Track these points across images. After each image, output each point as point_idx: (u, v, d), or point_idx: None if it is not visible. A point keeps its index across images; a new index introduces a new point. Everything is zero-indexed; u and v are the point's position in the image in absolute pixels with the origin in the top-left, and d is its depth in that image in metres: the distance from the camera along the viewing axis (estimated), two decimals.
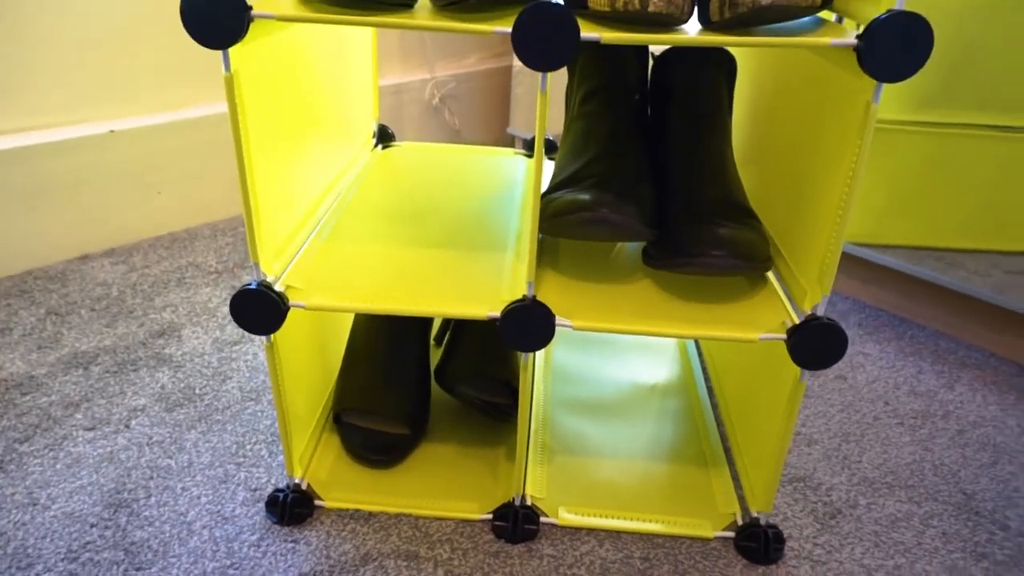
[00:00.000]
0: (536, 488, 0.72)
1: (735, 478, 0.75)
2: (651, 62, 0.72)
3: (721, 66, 0.69)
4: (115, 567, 0.63)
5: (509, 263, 0.67)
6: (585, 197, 0.60)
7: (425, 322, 0.82)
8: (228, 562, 0.64)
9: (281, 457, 0.76)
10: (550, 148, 0.90)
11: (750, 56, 0.79)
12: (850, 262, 1.10)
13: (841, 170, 0.54)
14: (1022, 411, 0.89)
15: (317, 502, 0.70)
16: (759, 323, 0.60)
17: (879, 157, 1.00)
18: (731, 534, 0.69)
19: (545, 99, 0.52)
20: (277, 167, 0.62)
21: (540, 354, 0.94)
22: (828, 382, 0.93)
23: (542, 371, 0.91)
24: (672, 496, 0.72)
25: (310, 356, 0.74)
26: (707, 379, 0.92)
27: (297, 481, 0.70)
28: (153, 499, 0.70)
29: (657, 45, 0.51)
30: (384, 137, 0.95)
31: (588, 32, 0.49)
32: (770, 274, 0.67)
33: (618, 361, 0.94)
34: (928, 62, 0.48)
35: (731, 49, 0.73)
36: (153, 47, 1.15)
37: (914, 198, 1.00)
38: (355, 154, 0.87)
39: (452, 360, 0.78)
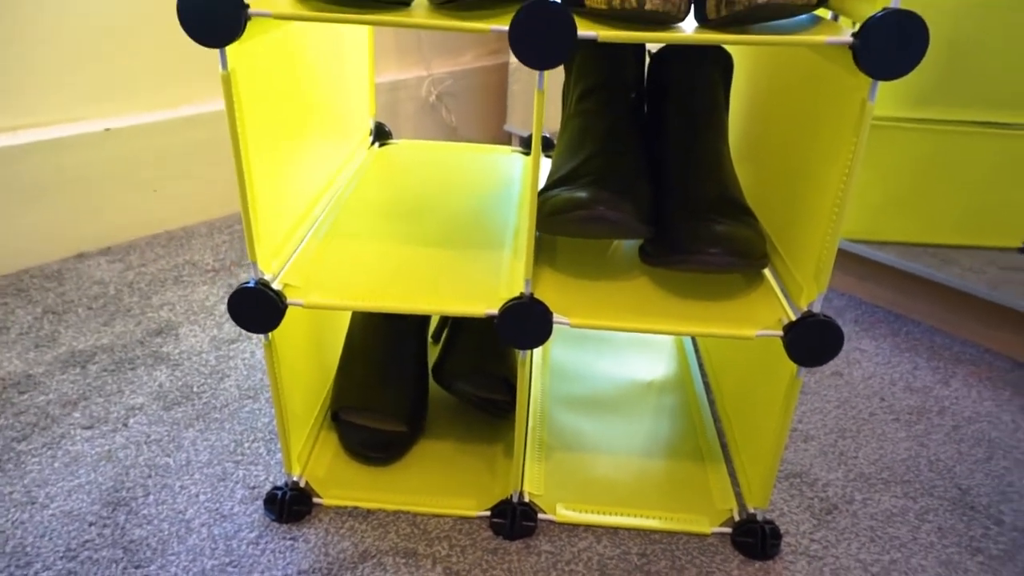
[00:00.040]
0: (534, 485, 0.73)
1: (732, 474, 0.76)
2: (648, 60, 0.72)
3: (717, 63, 0.69)
4: (114, 565, 0.63)
5: (507, 261, 0.68)
6: (582, 195, 0.60)
7: (422, 319, 0.82)
8: (227, 560, 0.64)
9: (279, 455, 0.76)
10: (547, 146, 0.90)
11: (746, 53, 0.79)
12: (846, 259, 1.11)
13: (837, 167, 0.54)
14: (1017, 407, 0.90)
15: (315, 500, 0.70)
16: (756, 320, 0.60)
17: (875, 154, 1.00)
18: (728, 530, 0.69)
19: (542, 97, 0.52)
20: (275, 165, 0.62)
21: (538, 351, 0.94)
22: (824, 378, 0.94)
23: (539, 368, 0.91)
24: (669, 492, 0.73)
25: (308, 354, 0.74)
26: (704, 376, 0.92)
27: (295, 479, 0.70)
28: (151, 497, 0.70)
29: (654, 43, 0.52)
30: (381, 135, 0.95)
31: (585, 30, 0.49)
32: (766, 271, 0.68)
33: (615, 358, 0.94)
34: (923, 60, 0.48)
35: (727, 47, 0.73)
36: (148, 45, 1.15)
37: (909, 195, 1.00)
38: (352, 152, 0.87)
39: (450, 357, 0.79)
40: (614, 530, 0.69)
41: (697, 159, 0.65)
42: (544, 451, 0.77)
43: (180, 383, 0.86)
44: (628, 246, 0.73)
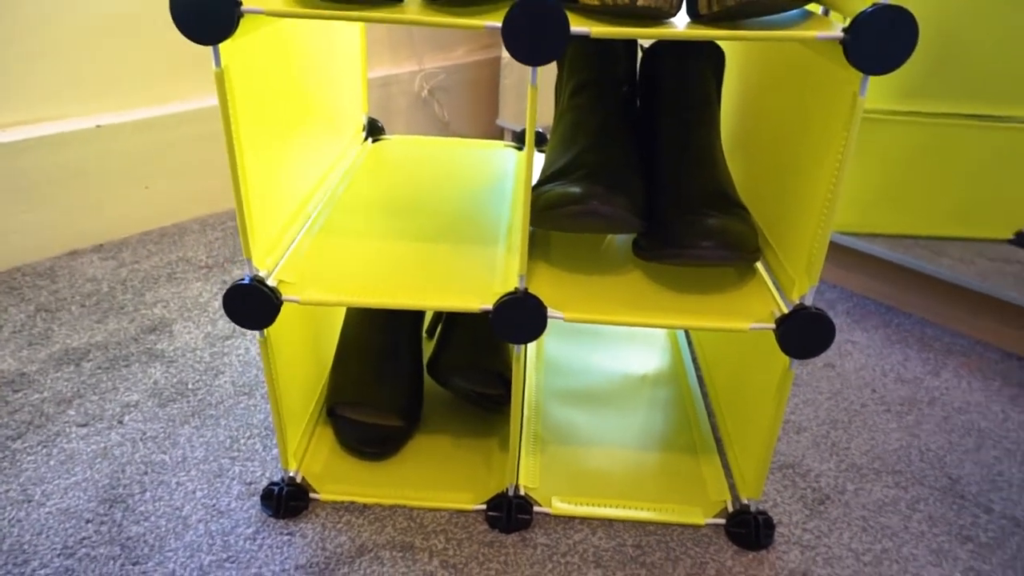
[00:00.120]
0: (529, 478, 0.73)
1: (725, 466, 0.76)
2: (640, 55, 0.73)
3: (709, 58, 0.69)
4: (111, 562, 0.63)
5: (501, 256, 0.68)
6: (575, 190, 0.60)
7: (417, 315, 0.83)
8: (224, 555, 0.64)
9: (275, 451, 0.76)
10: (540, 140, 0.90)
11: (738, 48, 0.79)
12: (837, 251, 1.11)
13: (828, 161, 0.55)
14: (1006, 397, 0.91)
15: (312, 495, 0.70)
16: (749, 313, 0.61)
17: (865, 147, 1.01)
18: (722, 521, 0.70)
19: (536, 93, 0.53)
20: (268, 162, 0.62)
21: (532, 345, 0.95)
22: (816, 370, 0.94)
23: (534, 362, 0.91)
24: (663, 484, 0.73)
25: (303, 350, 0.74)
26: (697, 368, 0.93)
27: (292, 474, 0.70)
28: (148, 494, 0.70)
29: (646, 39, 0.52)
30: (374, 130, 0.95)
31: (578, 26, 0.50)
32: (759, 264, 0.68)
33: (609, 352, 0.94)
34: (913, 53, 0.48)
35: (719, 42, 0.73)
36: (139, 41, 1.15)
37: (900, 187, 1.01)
38: (345, 148, 0.87)
39: (445, 352, 0.79)
40: (609, 522, 0.70)
41: (689, 153, 0.65)
42: (539, 445, 0.78)
43: (175, 380, 0.86)
44: (621, 240, 0.73)
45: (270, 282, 0.61)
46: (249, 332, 0.95)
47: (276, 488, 0.69)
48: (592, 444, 0.78)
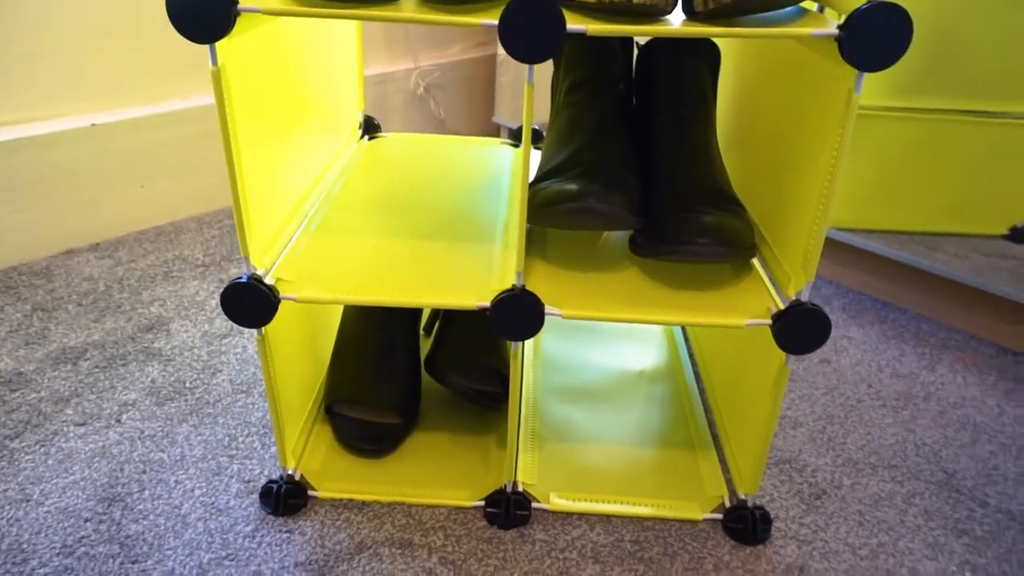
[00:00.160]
0: (527, 475, 0.73)
1: (722, 461, 0.77)
2: (636, 52, 0.73)
3: (705, 56, 0.69)
4: (111, 560, 0.63)
5: (498, 253, 0.68)
6: (572, 187, 0.60)
7: (414, 312, 0.83)
8: (224, 553, 0.64)
9: (273, 449, 0.76)
10: (536, 138, 0.90)
11: (733, 45, 0.80)
12: (833, 247, 1.12)
13: (824, 157, 0.55)
14: (1001, 391, 0.91)
15: (311, 492, 0.71)
16: (745, 309, 0.61)
17: (860, 143, 1.01)
18: (719, 516, 0.70)
19: (532, 91, 0.53)
20: (265, 160, 0.62)
21: (529, 342, 0.95)
22: (813, 366, 0.95)
23: (531, 359, 0.92)
24: (661, 480, 0.74)
25: (300, 348, 0.75)
26: (694, 365, 0.93)
27: (290, 472, 0.70)
28: (147, 492, 0.70)
29: (642, 36, 0.52)
30: (370, 128, 0.95)
31: (574, 24, 0.50)
32: (755, 261, 0.68)
33: (606, 348, 0.95)
34: (909, 49, 0.49)
35: (715, 39, 0.73)
36: (134, 40, 1.14)
37: (896, 183, 1.01)
38: (342, 146, 0.87)
39: (442, 350, 0.79)
40: (607, 518, 0.70)
41: (685, 150, 0.65)
42: (537, 441, 0.78)
43: (172, 379, 0.86)
44: (618, 237, 0.73)
45: (268, 280, 0.61)
46: (247, 330, 0.95)
47: (275, 486, 0.69)
48: (590, 440, 0.78)
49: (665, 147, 0.66)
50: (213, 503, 0.70)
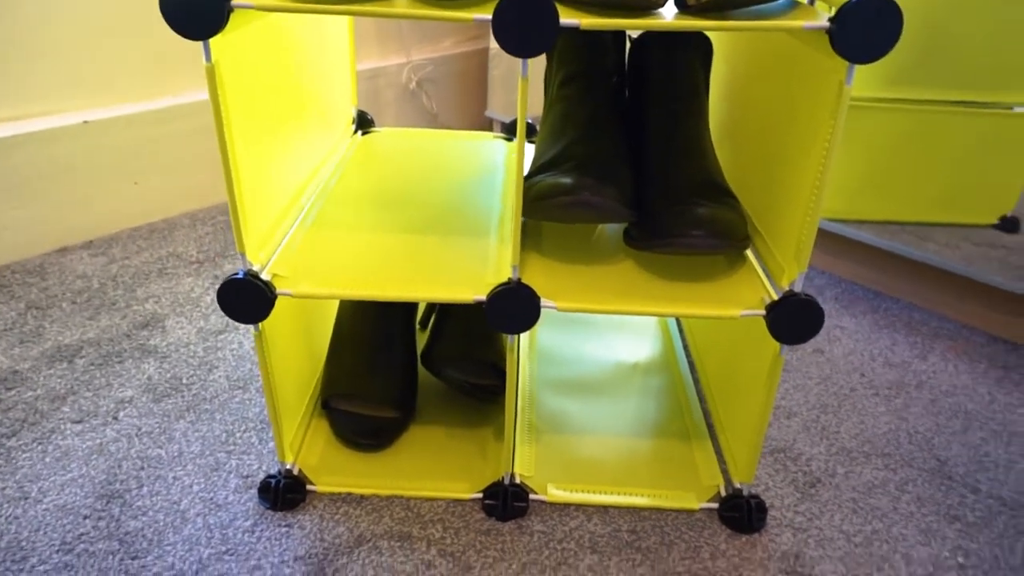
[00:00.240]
0: (524, 467, 0.74)
1: (718, 451, 0.77)
2: (628, 45, 0.73)
3: (698, 49, 0.70)
4: (111, 557, 0.64)
5: (493, 247, 0.68)
6: (566, 181, 0.60)
7: (410, 307, 0.83)
8: (223, 548, 0.65)
9: (271, 444, 0.77)
10: (530, 131, 0.91)
11: (725, 38, 0.80)
12: (825, 237, 1.12)
13: (815, 149, 0.55)
14: (992, 379, 0.92)
15: (309, 487, 0.71)
16: (739, 300, 0.61)
17: (851, 134, 1.02)
18: (715, 505, 0.71)
19: (526, 85, 0.53)
20: (260, 156, 0.62)
21: (525, 336, 0.95)
22: (806, 356, 0.95)
23: (527, 352, 0.92)
24: (657, 470, 0.74)
25: (297, 343, 0.75)
26: (688, 356, 0.93)
27: (289, 467, 0.71)
28: (145, 489, 0.71)
29: (635, 30, 0.52)
30: (363, 123, 0.95)
31: (567, 18, 0.50)
32: (748, 252, 0.69)
33: (601, 340, 0.95)
34: (899, 41, 0.49)
35: (707, 32, 0.74)
36: (127, 37, 1.14)
37: (887, 174, 1.02)
38: (336, 141, 0.87)
39: (438, 344, 0.79)
40: (604, 508, 0.71)
41: (678, 143, 0.66)
42: (534, 433, 0.78)
43: (169, 375, 0.86)
44: (613, 230, 0.74)
45: (264, 276, 0.61)
46: (242, 326, 0.95)
47: (273, 481, 0.69)
48: (586, 432, 0.79)
49: (658, 140, 0.66)
50: (212, 498, 0.70)
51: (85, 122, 1.11)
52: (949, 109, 0.95)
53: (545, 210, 0.62)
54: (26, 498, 0.69)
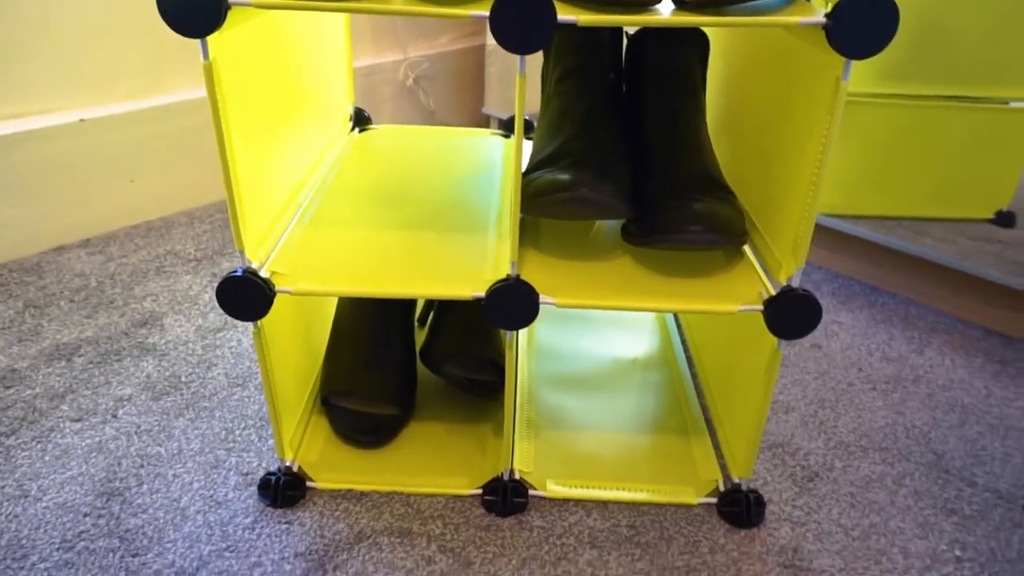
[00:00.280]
0: (524, 462, 0.74)
1: (716, 446, 0.78)
2: (625, 41, 0.73)
3: (694, 45, 0.70)
4: (111, 554, 0.64)
5: (492, 243, 0.68)
6: (564, 177, 0.61)
7: (408, 303, 0.83)
8: (224, 545, 0.65)
9: (271, 441, 0.77)
10: (528, 128, 0.91)
11: (722, 34, 0.80)
12: (822, 233, 1.13)
13: (812, 144, 0.55)
14: (989, 373, 0.92)
15: (309, 484, 0.71)
16: (737, 296, 0.62)
17: (848, 129, 1.02)
18: (714, 500, 0.71)
19: (524, 82, 0.53)
20: (258, 153, 0.62)
21: (523, 332, 0.96)
22: (804, 351, 0.96)
23: (526, 348, 0.92)
24: (656, 465, 0.75)
25: (296, 340, 0.75)
26: (687, 351, 0.94)
27: (288, 464, 0.71)
28: (145, 487, 0.71)
29: (632, 26, 0.52)
30: (361, 120, 0.95)
31: (565, 15, 0.50)
32: (746, 247, 0.69)
33: (600, 336, 0.95)
34: (895, 36, 0.49)
35: (704, 28, 0.74)
36: (124, 34, 1.14)
37: (883, 169, 1.02)
38: (333, 138, 0.87)
39: (437, 340, 0.79)
40: (603, 504, 0.71)
41: (676, 139, 0.66)
42: (533, 429, 0.79)
43: (168, 373, 0.86)
44: (611, 226, 0.74)
45: (263, 274, 0.61)
46: (241, 324, 0.95)
47: (273, 478, 0.69)
48: (585, 428, 0.79)
49: (655, 136, 0.67)
50: (212, 496, 0.70)
51: (82, 120, 1.11)
52: (945, 104, 0.95)
53: (543, 206, 0.62)
54: (26, 496, 0.69)
